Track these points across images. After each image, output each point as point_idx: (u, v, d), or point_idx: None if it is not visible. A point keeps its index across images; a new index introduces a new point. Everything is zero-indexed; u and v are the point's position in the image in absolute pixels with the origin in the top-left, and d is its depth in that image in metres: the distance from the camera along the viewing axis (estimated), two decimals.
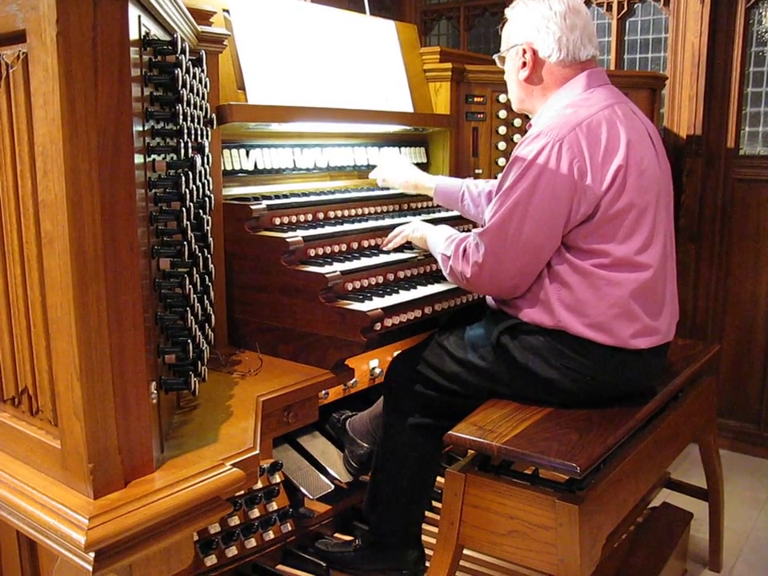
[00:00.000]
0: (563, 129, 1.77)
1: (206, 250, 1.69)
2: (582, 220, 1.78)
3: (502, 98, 2.91)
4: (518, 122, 2.94)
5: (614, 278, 1.79)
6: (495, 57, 2.12)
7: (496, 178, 2.40)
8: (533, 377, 1.86)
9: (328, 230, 2.16)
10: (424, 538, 2.19)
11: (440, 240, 2.02)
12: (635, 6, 3.49)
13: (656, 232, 1.85)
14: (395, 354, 2.36)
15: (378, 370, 2.51)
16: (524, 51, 1.94)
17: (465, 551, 1.87)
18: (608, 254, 1.78)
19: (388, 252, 2.23)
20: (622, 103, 1.91)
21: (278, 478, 2.16)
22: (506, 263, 1.82)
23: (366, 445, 2.37)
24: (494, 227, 1.82)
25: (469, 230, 2.21)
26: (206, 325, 1.71)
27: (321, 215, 2.25)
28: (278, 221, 2.12)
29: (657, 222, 1.85)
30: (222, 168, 2.11)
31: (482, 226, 1.89)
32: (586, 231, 1.79)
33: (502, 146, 2.94)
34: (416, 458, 2.04)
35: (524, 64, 1.96)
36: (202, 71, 1.74)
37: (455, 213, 2.54)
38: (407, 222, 2.26)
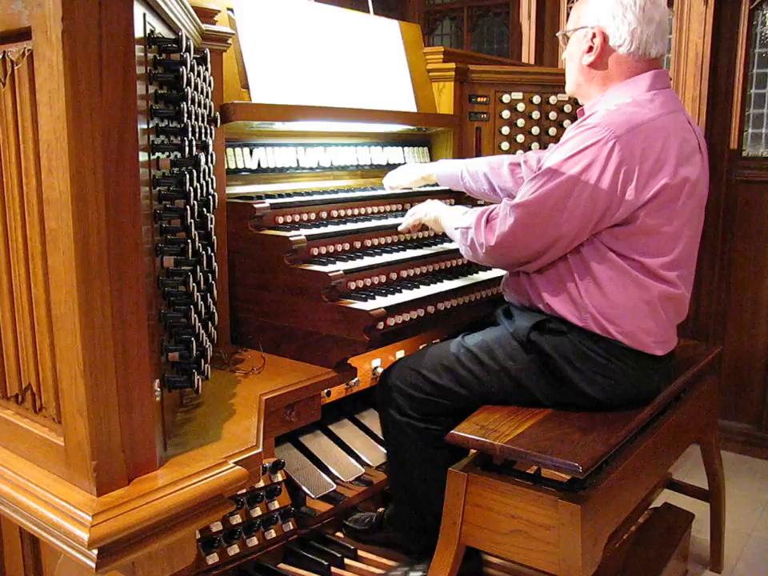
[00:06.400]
0: (621, 127, 1.72)
1: (209, 249, 1.69)
2: (617, 222, 1.76)
3: (506, 98, 2.91)
4: (521, 123, 2.93)
5: (644, 283, 1.79)
6: (559, 35, 2.04)
7: None
8: (557, 379, 1.85)
9: (331, 229, 2.16)
10: None
11: (456, 216, 2.00)
12: None
13: (689, 248, 1.88)
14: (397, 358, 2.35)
15: (380, 370, 2.51)
16: (593, 35, 1.86)
17: None
18: (639, 262, 1.79)
19: (390, 251, 2.23)
20: (680, 112, 1.86)
21: (279, 477, 2.16)
22: (530, 241, 1.80)
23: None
24: (529, 204, 1.78)
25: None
26: (210, 323, 1.71)
27: (324, 214, 2.25)
28: (281, 219, 2.12)
29: (690, 240, 1.88)
30: (226, 166, 2.12)
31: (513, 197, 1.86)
32: (620, 234, 1.77)
33: (505, 146, 2.94)
34: (418, 461, 2.01)
35: (590, 48, 1.87)
36: (207, 69, 1.74)
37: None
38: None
